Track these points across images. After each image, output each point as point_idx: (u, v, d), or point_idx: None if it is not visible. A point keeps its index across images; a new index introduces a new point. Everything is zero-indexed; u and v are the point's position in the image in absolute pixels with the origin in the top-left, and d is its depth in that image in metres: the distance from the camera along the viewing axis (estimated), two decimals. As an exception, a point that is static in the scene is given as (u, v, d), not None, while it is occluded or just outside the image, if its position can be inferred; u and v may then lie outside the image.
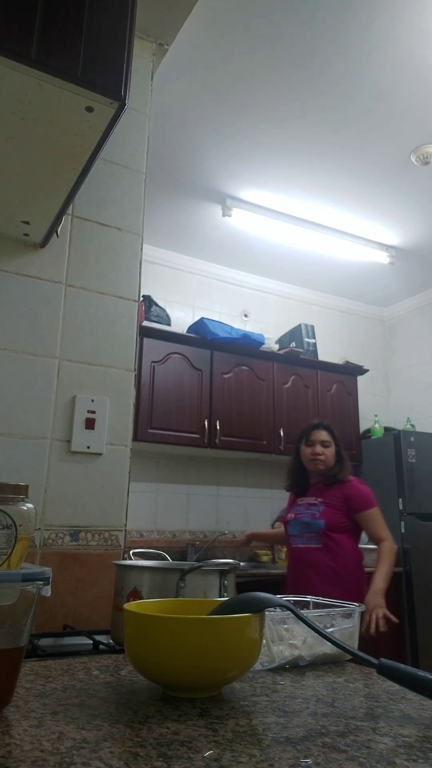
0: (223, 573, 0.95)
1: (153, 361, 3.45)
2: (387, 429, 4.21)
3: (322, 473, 2.48)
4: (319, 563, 2.33)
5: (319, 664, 0.81)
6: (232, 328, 3.80)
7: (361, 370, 4.33)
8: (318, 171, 3.22)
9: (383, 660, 0.62)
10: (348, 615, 0.86)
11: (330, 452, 2.49)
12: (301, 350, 4.08)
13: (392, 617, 2.25)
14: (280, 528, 2.77)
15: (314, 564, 2.33)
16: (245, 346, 3.80)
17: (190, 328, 3.79)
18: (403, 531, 3.60)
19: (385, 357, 5.08)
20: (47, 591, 0.64)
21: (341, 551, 2.34)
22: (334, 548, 2.33)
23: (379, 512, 2.42)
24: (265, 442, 3.73)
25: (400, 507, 3.67)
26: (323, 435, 2.50)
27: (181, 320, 4.05)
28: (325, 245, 3.96)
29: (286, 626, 0.80)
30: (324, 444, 2.49)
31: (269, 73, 2.52)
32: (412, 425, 4.43)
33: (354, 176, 3.25)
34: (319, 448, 2.47)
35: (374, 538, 2.39)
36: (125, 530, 1.33)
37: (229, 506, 3.97)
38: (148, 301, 3.71)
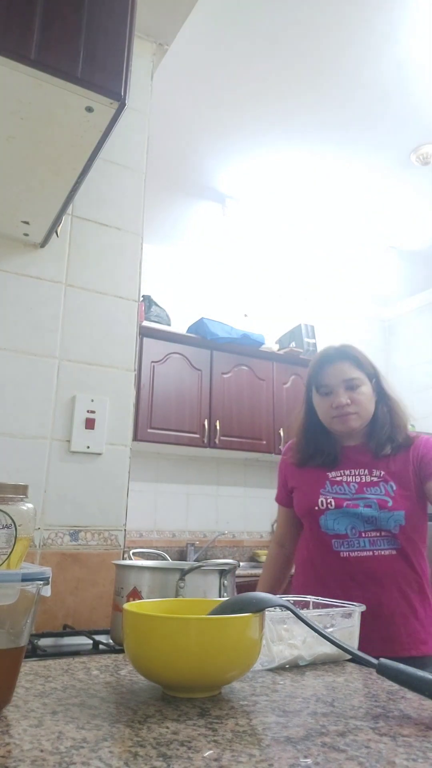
0: (222, 573, 0.95)
1: (153, 361, 3.45)
2: (387, 429, 4.20)
3: (357, 431, 1.46)
4: (396, 579, 1.35)
5: (318, 664, 0.81)
6: (232, 328, 3.80)
7: (361, 370, 4.32)
8: (318, 171, 3.22)
9: (383, 660, 0.62)
10: (348, 615, 0.86)
11: (365, 396, 1.42)
12: (301, 350, 4.08)
13: None
14: (273, 553, 1.63)
15: (388, 581, 1.34)
16: (245, 346, 3.80)
17: (190, 328, 3.79)
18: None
19: (385, 357, 5.08)
20: (47, 591, 0.64)
21: (420, 552, 1.40)
22: (411, 551, 1.38)
23: None
24: (264, 442, 3.73)
25: (400, 507, 3.66)
26: (346, 370, 1.43)
27: (181, 320, 4.05)
28: (325, 245, 3.95)
29: (285, 626, 0.80)
30: (351, 385, 1.42)
31: (269, 73, 2.52)
32: (412, 425, 4.42)
33: (354, 176, 3.25)
34: (343, 396, 1.41)
35: None
36: (125, 530, 1.33)
37: (229, 506, 3.97)
38: (148, 301, 3.71)
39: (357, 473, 1.43)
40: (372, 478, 1.41)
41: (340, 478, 1.44)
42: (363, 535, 1.36)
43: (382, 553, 1.35)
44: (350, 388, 1.42)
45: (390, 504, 1.36)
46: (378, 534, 1.36)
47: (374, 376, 1.47)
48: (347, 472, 1.44)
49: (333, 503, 1.40)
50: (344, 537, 1.38)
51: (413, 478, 1.40)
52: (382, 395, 1.48)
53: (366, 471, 1.42)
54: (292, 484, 1.54)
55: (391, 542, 1.36)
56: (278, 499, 1.61)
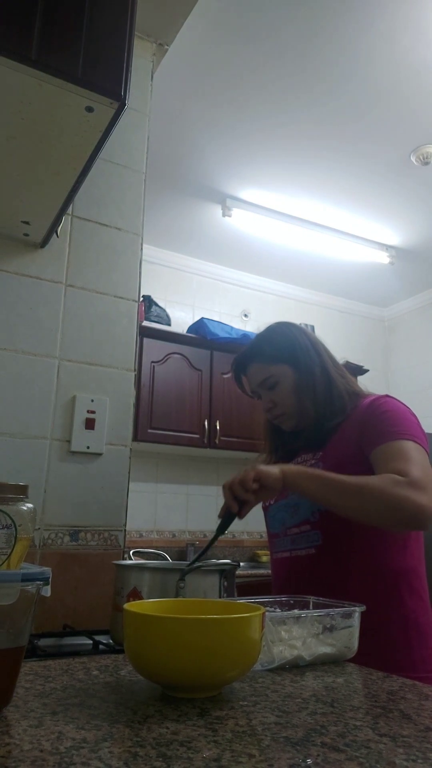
0: (223, 573, 0.95)
1: (153, 361, 3.45)
2: (387, 429, 4.19)
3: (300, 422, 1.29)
4: (311, 585, 1.11)
5: (318, 664, 0.81)
6: (232, 328, 3.80)
7: (361, 370, 4.32)
8: (318, 171, 3.22)
9: None
10: (348, 615, 0.86)
11: (284, 392, 1.27)
12: (301, 350, 4.07)
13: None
14: None
15: (302, 588, 1.08)
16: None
17: (190, 328, 3.79)
18: (402, 531, 3.60)
19: (385, 357, 5.07)
20: (47, 591, 0.64)
21: (363, 555, 1.12)
22: (338, 546, 1.13)
23: (419, 450, 1.09)
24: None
25: (400, 507, 3.66)
26: (258, 373, 1.32)
27: (181, 320, 4.04)
28: (325, 245, 3.95)
29: (285, 627, 0.80)
30: (267, 385, 1.30)
31: (269, 73, 2.52)
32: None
33: (354, 176, 3.25)
34: (266, 402, 1.33)
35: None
36: (125, 530, 1.33)
37: (229, 506, 3.97)
38: (148, 301, 3.71)
39: (304, 458, 1.25)
40: (312, 461, 1.21)
41: None
42: (288, 532, 1.22)
43: (299, 553, 1.17)
44: (270, 389, 1.30)
45: None
46: (298, 530, 1.19)
47: (293, 356, 1.28)
48: (299, 460, 1.27)
49: (272, 499, 1.28)
50: (276, 536, 1.27)
51: (355, 450, 1.14)
52: (308, 373, 1.26)
53: (311, 453, 1.23)
54: None
55: (310, 538, 1.16)
56: None
